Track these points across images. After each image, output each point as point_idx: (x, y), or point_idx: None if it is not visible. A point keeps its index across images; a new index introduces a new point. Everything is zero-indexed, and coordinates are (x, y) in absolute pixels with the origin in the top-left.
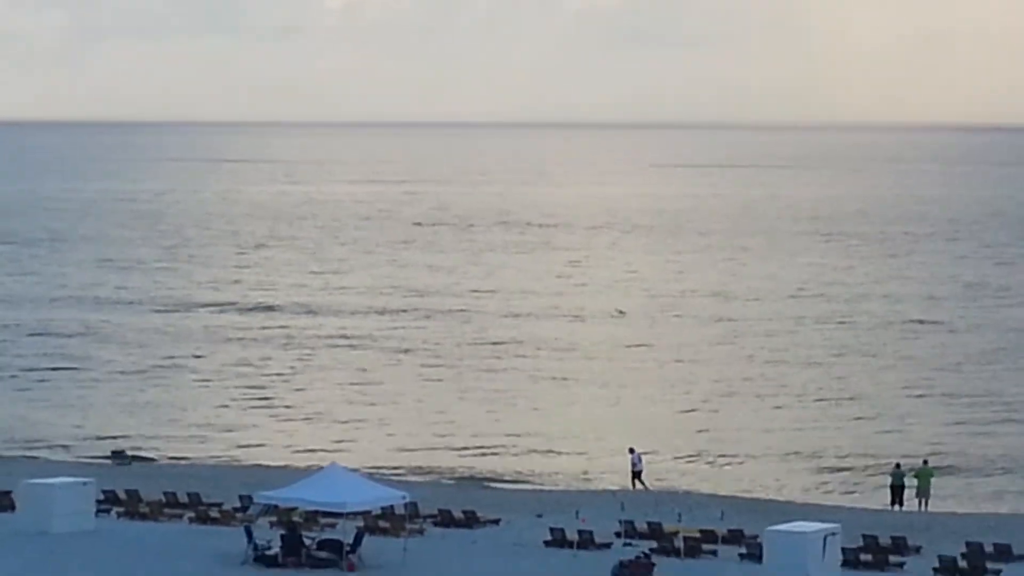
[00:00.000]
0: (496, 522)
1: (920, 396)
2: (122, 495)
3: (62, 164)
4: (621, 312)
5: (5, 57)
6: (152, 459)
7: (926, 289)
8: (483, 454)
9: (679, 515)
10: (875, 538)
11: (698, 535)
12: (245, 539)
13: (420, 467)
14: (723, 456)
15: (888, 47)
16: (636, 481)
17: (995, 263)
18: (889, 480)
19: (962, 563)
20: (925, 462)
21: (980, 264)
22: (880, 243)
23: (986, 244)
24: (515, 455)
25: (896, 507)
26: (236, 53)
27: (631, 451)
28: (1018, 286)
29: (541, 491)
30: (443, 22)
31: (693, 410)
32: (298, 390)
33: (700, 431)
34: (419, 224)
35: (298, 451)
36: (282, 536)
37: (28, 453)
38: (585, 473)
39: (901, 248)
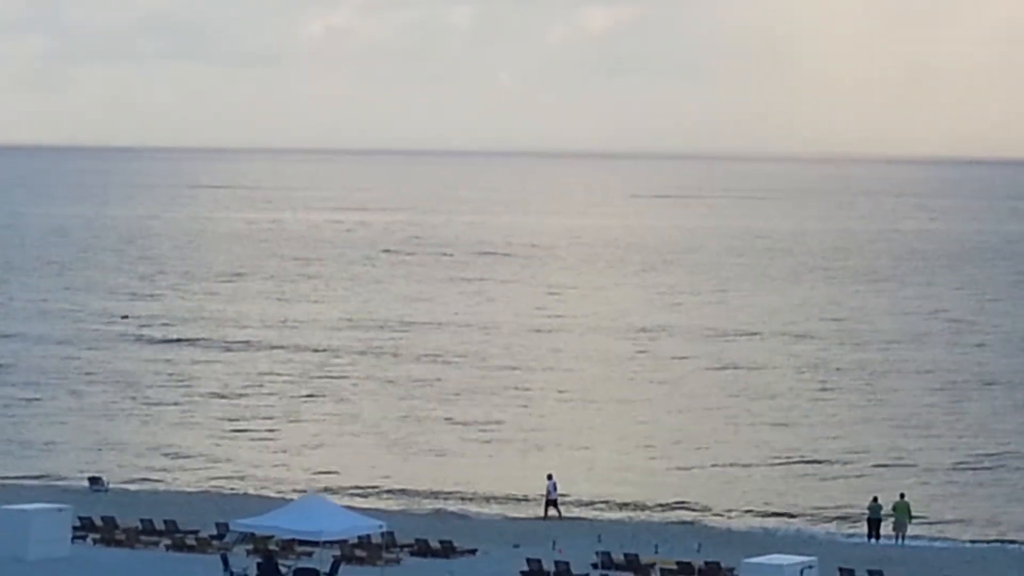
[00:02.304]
0: (473, 552)
1: (898, 428)
2: (98, 522)
3: (36, 188)
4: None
5: None
6: (129, 486)
7: (908, 323)
8: (460, 484)
9: (656, 547)
10: (851, 571)
11: (675, 567)
12: (222, 567)
13: (397, 496)
14: (701, 487)
15: (871, 80)
16: (550, 508)
17: (976, 299)
18: (866, 513)
19: None
20: (902, 495)
21: (961, 299)
22: (861, 276)
23: (967, 279)
24: (492, 485)
25: (873, 540)
26: (215, 79)
27: (549, 477)
28: (999, 322)
29: (518, 521)
30: (425, 50)
31: (671, 441)
32: (275, 419)
33: (677, 463)
34: (396, 252)
35: (275, 479)
36: (258, 564)
37: (4, 479)
38: (562, 503)
39: (882, 282)
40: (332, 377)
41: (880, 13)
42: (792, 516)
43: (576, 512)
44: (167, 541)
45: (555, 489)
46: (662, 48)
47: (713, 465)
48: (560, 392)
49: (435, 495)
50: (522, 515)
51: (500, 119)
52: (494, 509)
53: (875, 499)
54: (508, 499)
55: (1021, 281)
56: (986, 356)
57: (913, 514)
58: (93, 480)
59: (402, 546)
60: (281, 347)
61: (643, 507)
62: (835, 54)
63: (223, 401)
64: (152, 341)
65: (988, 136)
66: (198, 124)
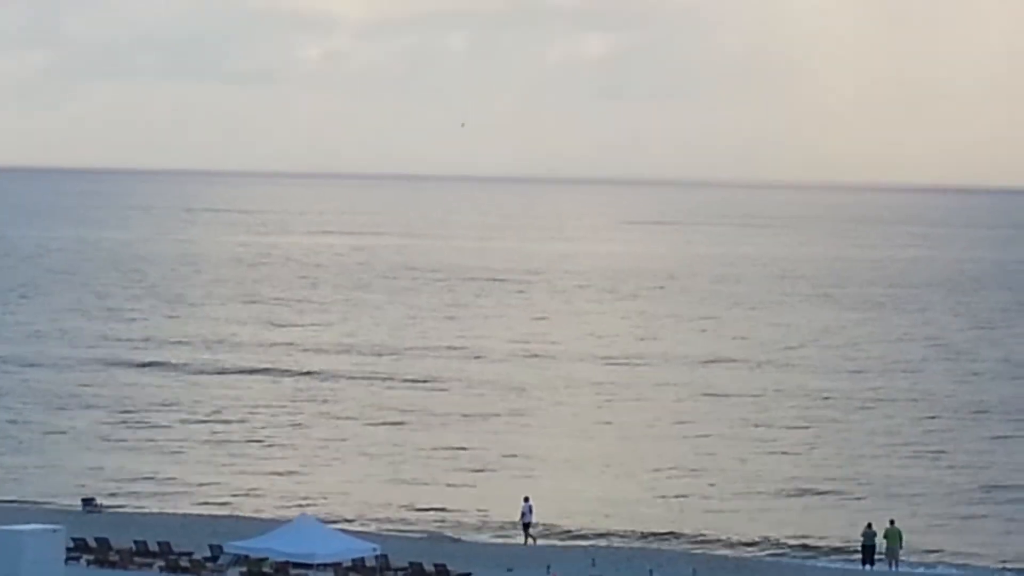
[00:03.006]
0: None
1: (892, 456)
2: (92, 543)
3: (32, 210)
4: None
5: None
6: (123, 508)
7: (903, 351)
8: (454, 507)
9: (650, 572)
10: None
11: None
12: None
13: (391, 520)
14: (695, 513)
15: (871, 106)
16: (525, 532)
17: (971, 327)
18: (860, 540)
19: None
20: (892, 522)
21: (956, 327)
22: (857, 303)
23: (962, 306)
24: (486, 508)
25: (867, 567)
26: (212, 97)
27: (525, 500)
28: (993, 351)
29: (512, 545)
30: (421, 73)
31: (665, 467)
32: (269, 442)
33: (673, 489)
34: (391, 277)
35: (269, 502)
36: None
37: None
38: (556, 527)
39: (877, 309)
40: (326, 401)
41: (880, 39)
42: (785, 542)
43: (570, 538)
44: (161, 563)
45: (530, 512)
46: (659, 73)
47: (707, 494)
48: (554, 418)
49: (429, 519)
50: (516, 540)
51: (497, 144)
52: (488, 533)
53: (869, 525)
54: (502, 524)
55: (1015, 309)
56: (982, 384)
57: (907, 541)
58: (87, 501)
59: (396, 569)
60: (275, 371)
61: (637, 533)
62: (834, 80)
63: (217, 424)
64: (145, 364)
65: (983, 163)
66: (194, 144)
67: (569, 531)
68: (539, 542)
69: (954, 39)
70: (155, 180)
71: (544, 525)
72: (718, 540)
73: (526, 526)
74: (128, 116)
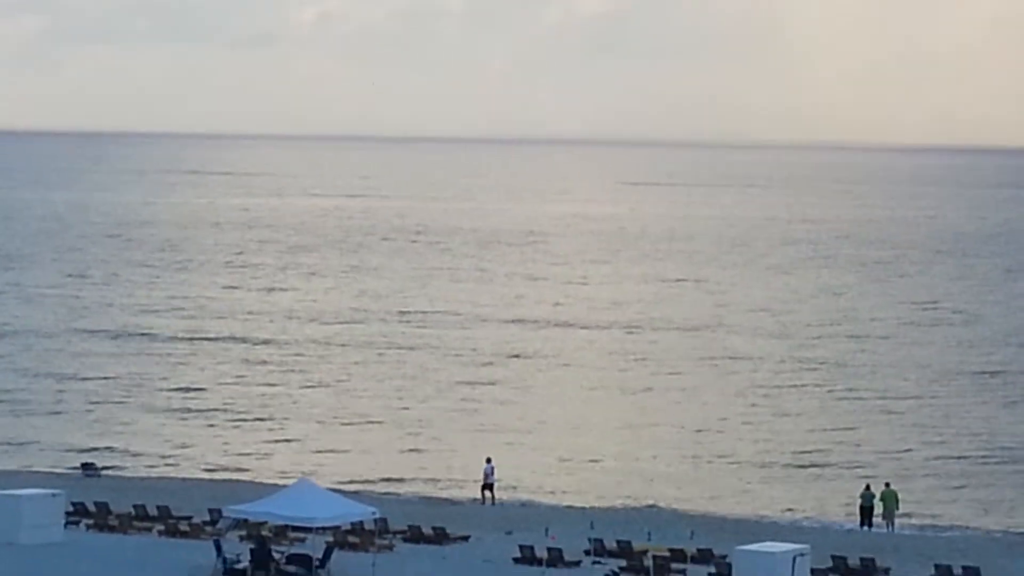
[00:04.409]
0: (466, 539)
1: (892, 419)
2: (91, 507)
3: (25, 173)
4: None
5: None
6: (122, 472)
7: (904, 314)
8: (453, 470)
9: (648, 533)
10: (844, 559)
11: (667, 554)
12: (214, 553)
13: (390, 482)
14: (694, 473)
15: (866, 65)
16: (486, 492)
17: (973, 289)
18: (858, 501)
19: None
20: (887, 484)
21: (957, 289)
22: (865, 265)
23: (971, 266)
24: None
25: (865, 527)
26: (207, 60)
27: (487, 460)
28: (994, 313)
29: (511, 507)
30: (417, 34)
31: (662, 426)
32: (268, 405)
33: (670, 448)
34: (390, 240)
35: (268, 466)
36: (251, 550)
37: None
38: (555, 490)
39: (886, 270)
40: (325, 365)
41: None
42: (785, 505)
43: (569, 500)
44: (160, 527)
45: (492, 473)
46: (656, 33)
47: (708, 457)
48: (554, 382)
49: (428, 481)
50: (514, 501)
51: (493, 105)
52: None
53: (867, 487)
54: (501, 486)
55: (1018, 270)
56: (982, 348)
57: (906, 503)
58: (86, 466)
59: (395, 532)
60: (273, 336)
61: (636, 496)
62: (830, 40)
63: (216, 390)
64: (145, 331)
65: (983, 123)
66: (190, 107)
67: (566, 492)
68: (539, 502)
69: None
70: (151, 143)
71: (541, 490)
72: (717, 502)
73: (489, 486)
74: (124, 80)
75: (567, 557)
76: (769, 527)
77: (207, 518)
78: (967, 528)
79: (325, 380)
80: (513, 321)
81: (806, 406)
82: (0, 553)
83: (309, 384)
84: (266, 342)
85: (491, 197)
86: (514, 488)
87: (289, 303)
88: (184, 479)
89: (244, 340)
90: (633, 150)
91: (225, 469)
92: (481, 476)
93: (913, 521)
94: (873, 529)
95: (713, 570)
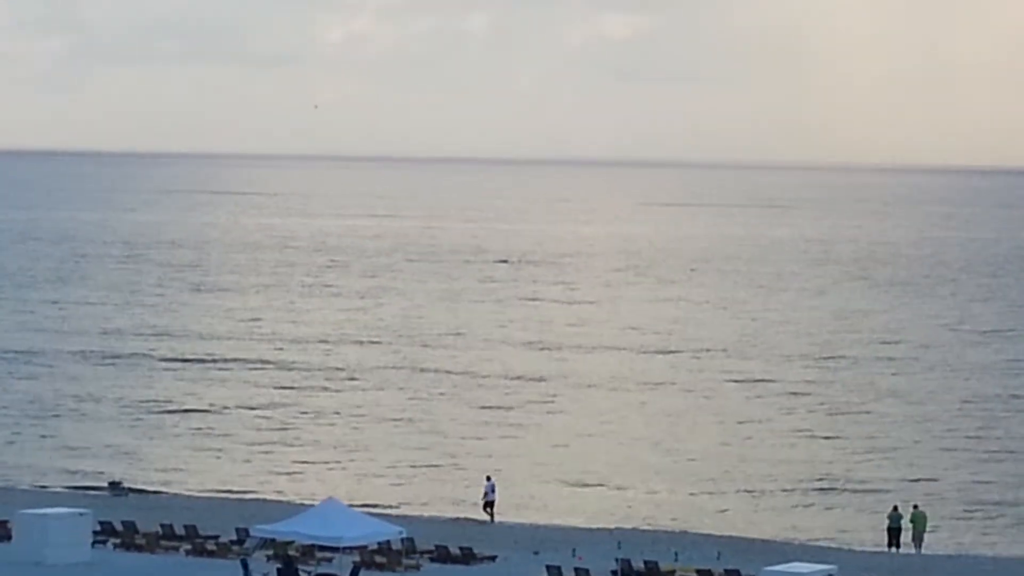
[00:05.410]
0: (492, 559)
1: (920, 437)
2: (118, 526)
3: (56, 195)
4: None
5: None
6: (149, 491)
7: (933, 335)
8: (480, 491)
9: (676, 554)
10: None
11: (695, 574)
12: (241, 572)
13: (417, 502)
14: (721, 494)
15: (892, 85)
16: (487, 510)
17: (1005, 310)
18: (887, 522)
19: None
20: (915, 506)
21: (988, 310)
22: (895, 285)
23: (988, 287)
24: (512, 491)
25: (893, 549)
26: (233, 81)
27: (488, 479)
28: (1018, 328)
29: (538, 528)
30: (442, 56)
31: (691, 448)
32: (295, 425)
33: (698, 469)
34: (415, 261)
35: (295, 485)
36: (278, 570)
37: (25, 483)
38: (582, 511)
39: (915, 291)
40: (353, 382)
41: (899, 16)
42: (813, 526)
43: (596, 521)
44: (187, 546)
45: (493, 491)
46: (679, 56)
47: (736, 479)
48: (580, 402)
49: (455, 502)
50: (541, 522)
51: (517, 126)
52: (514, 516)
53: (895, 508)
54: (528, 506)
55: None
56: (1014, 370)
57: (935, 526)
58: (113, 485)
59: (422, 552)
60: (300, 357)
61: (663, 516)
62: (855, 61)
63: (244, 410)
64: (172, 351)
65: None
66: (216, 128)
67: (594, 513)
68: (561, 524)
69: (972, 21)
70: (177, 164)
71: (568, 510)
72: (745, 523)
73: (489, 504)
74: (151, 100)
75: None
76: (797, 548)
77: (234, 537)
78: (996, 552)
79: (352, 400)
80: (538, 343)
81: (835, 427)
82: (28, 572)
83: (337, 406)
84: (292, 363)
85: (516, 217)
86: (542, 508)
87: (318, 325)
88: (211, 498)
89: (272, 362)
90: (657, 171)
91: (252, 489)
92: (481, 494)
93: (942, 544)
94: (901, 551)
95: None
